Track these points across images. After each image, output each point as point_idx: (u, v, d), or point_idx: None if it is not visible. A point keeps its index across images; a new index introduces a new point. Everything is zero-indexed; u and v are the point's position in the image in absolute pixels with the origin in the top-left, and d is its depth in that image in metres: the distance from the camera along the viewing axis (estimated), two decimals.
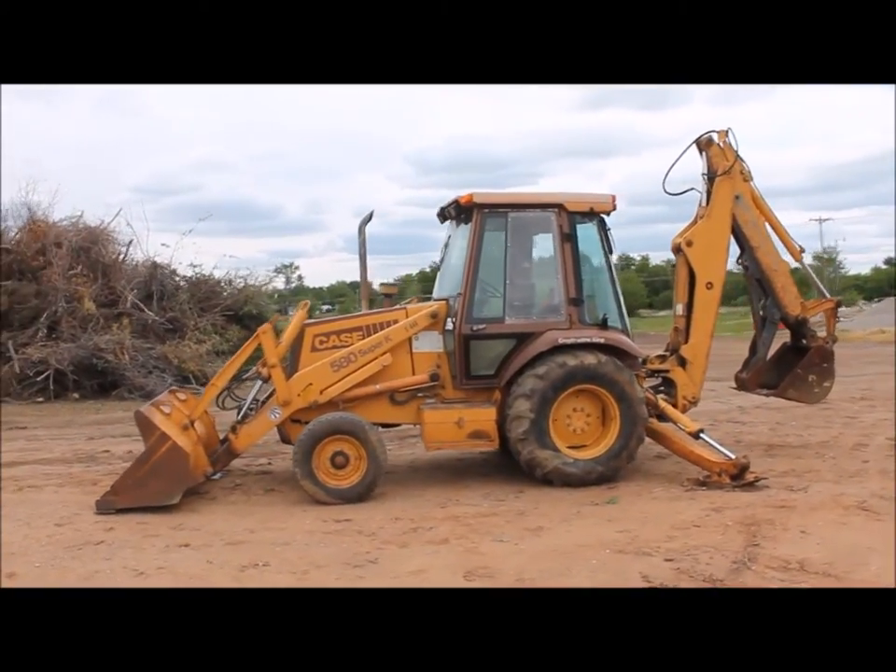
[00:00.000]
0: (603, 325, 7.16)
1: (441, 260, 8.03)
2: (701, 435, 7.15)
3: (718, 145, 8.12)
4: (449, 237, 7.89)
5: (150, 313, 16.15)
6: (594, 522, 5.94)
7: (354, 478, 6.68)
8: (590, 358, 6.96)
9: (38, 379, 13.59)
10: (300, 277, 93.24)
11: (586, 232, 7.54)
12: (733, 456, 6.86)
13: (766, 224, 8.31)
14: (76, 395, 13.91)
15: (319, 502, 6.59)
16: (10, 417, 11.84)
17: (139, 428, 6.51)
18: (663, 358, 8.15)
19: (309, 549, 5.46)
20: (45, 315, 14.71)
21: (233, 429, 7.00)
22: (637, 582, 4.63)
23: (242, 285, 20.72)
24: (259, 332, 7.00)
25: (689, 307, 8.10)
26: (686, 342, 8.05)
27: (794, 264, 8.70)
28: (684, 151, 8.29)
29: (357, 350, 7.05)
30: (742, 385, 8.54)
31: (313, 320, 7.41)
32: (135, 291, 16.74)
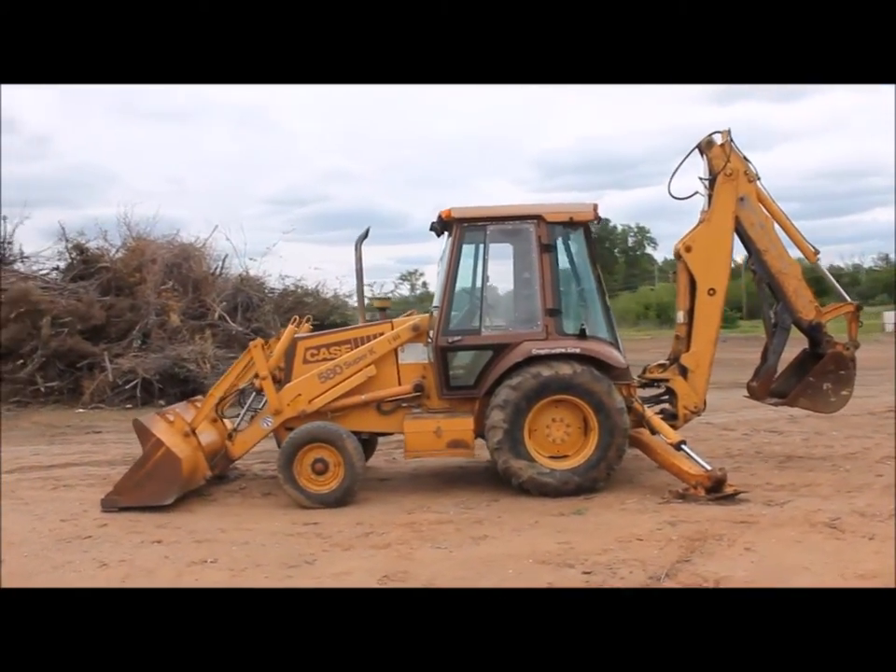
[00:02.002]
0: (581, 335, 7.15)
1: (438, 273, 8.26)
2: (682, 447, 6.99)
3: (719, 146, 7.89)
4: (443, 251, 8.10)
5: (234, 324, 17.26)
6: (543, 533, 5.98)
7: (333, 484, 7.03)
8: (565, 369, 6.97)
9: (127, 387, 14.90)
10: (424, 284, 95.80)
11: (573, 242, 7.58)
12: (709, 469, 6.69)
13: (777, 225, 8.00)
14: (161, 402, 15.07)
15: (301, 506, 7.00)
16: (94, 422, 13.10)
17: (137, 435, 7.17)
18: (664, 367, 8.01)
19: (263, 549, 5.85)
20: (137, 327, 16.08)
21: (230, 437, 7.55)
22: None
23: (330, 295, 21.70)
24: (250, 347, 7.52)
25: (691, 314, 7.92)
26: (687, 350, 7.88)
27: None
28: (688, 155, 8.11)
29: (343, 362, 7.42)
30: (753, 394, 8.22)
31: (304, 334, 7.84)
32: (224, 304, 17.93)
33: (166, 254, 17.50)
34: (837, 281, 8.30)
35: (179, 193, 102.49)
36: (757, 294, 8.35)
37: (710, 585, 4.72)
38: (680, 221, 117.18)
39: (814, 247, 8.04)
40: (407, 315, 8.19)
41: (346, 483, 7.01)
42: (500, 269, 8.03)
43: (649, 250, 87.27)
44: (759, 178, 7.93)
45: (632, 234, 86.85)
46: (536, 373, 6.97)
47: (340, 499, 6.99)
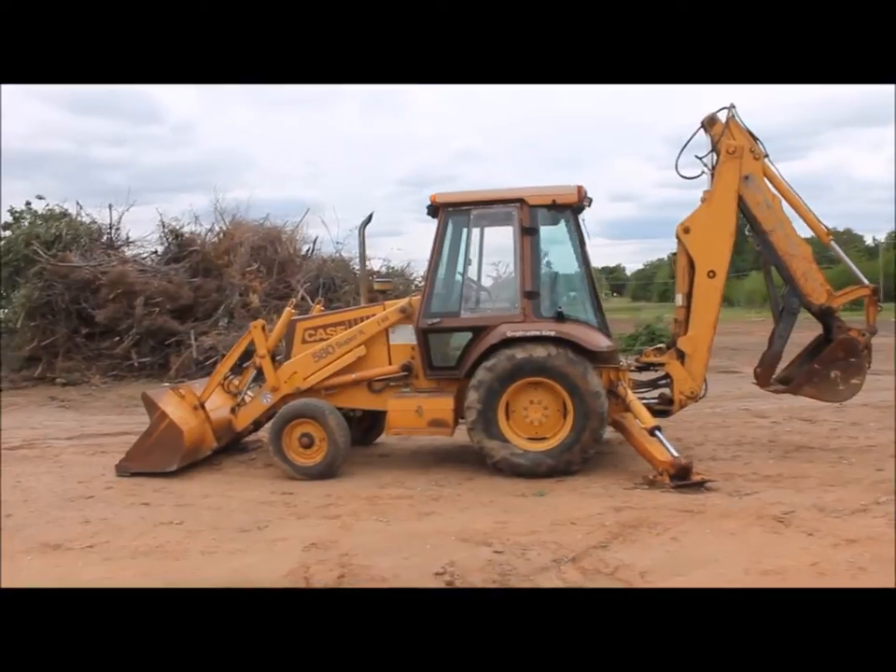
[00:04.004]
0: (559, 318, 7.14)
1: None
2: (655, 432, 6.86)
3: (721, 123, 7.58)
4: None
5: (314, 304, 18.03)
6: (488, 512, 6.09)
7: (318, 457, 7.42)
8: (540, 351, 7.00)
9: (207, 363, 15.99)
10: (548, 264, 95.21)
11: (561, 226, 7.55)
12: (675, 456, 6.54)
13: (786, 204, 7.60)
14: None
15: (290, 477, 7.45)
16: None
17: (145, 408, 7.84)
18: (661, 351, 7.83)
19: (229, 514, 6.30)
20: (222, 307, 17.20)
21: (233, 411, 8.10)
22: (434, 568, 4.85)
23: (418, 275, 22.22)
24: (251, 328, 8.03)
25: (690, 297, 7.69)
26: (685, 334, 7.66)
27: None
28: (694, 133, 7.86)
29: (335, 342, 7.78)
30: (758, 380, 7.88)
31: (302, 315, 8.26)
32: (307, 285, 18.80)
33: (253, 237, 18.54)
34: None
35: (314, 175, 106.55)
36: (764, 277, 7.95)
37: (606, 572, 4.72)
38: (819, 198, 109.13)
39: (827, 227, 7.58)
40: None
41: (329, 457, 7.38)
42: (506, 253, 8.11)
43: None
44: (766, 156, 7.56)
45: None
46: (510, 355, 7.04)
47: (324, 472, 7.37)
